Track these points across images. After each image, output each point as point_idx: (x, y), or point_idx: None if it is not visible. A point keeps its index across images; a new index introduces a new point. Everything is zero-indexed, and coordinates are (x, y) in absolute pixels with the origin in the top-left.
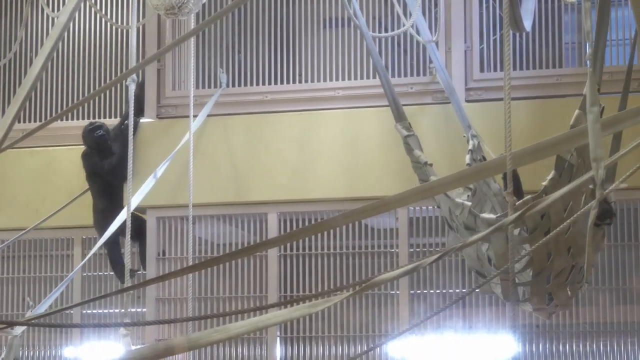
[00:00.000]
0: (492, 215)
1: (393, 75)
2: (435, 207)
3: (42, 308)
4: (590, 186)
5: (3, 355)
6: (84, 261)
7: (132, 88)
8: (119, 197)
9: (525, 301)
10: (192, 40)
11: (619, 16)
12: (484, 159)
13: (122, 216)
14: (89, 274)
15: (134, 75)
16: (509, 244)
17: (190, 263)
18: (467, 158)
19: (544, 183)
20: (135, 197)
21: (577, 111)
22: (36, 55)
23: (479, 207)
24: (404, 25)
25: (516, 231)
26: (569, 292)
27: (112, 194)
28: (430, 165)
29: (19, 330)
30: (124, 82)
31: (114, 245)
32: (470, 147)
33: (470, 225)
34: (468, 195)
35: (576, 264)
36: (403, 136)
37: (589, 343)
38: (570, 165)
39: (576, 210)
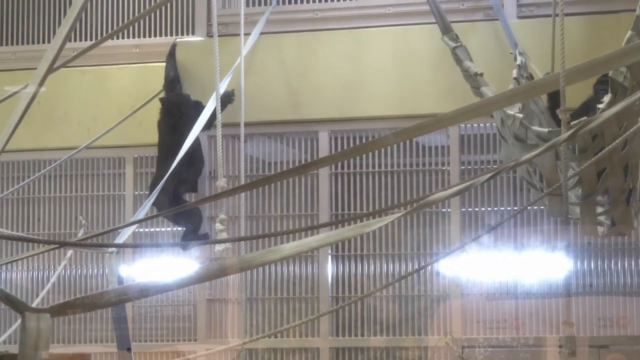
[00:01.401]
0: (544, 129)
1: None
2: (487, 124)
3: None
4: None
5: (107, 274)
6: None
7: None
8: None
9: (577, 220)
10: None
11: None
12: (531, 77)
13: None
14: (140, 192)
15: None
16: (560, 160)
17: (243, 182)
18: (515, 72)
19: (600, 105)
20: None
21: (629, 32)
22: None
23: (528, 121)
24: None
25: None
26: (634, 215)
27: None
28: (481, 75)
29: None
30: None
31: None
32: (517, 62)
33: (522, 136)
34: (519, 108)
35: (634, 188)
36: (451, 48)
37: (638, 261)
38: (624, 87)
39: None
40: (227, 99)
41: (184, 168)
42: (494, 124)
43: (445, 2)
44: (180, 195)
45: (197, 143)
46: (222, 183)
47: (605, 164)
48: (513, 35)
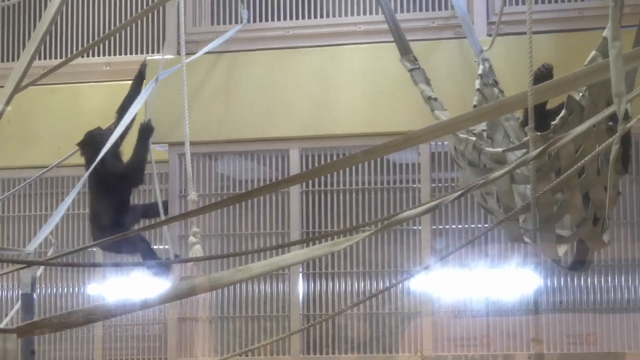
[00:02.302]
0: (497, 149)
1: (415, 10)
2: None
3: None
4: (610, 123)
5: None
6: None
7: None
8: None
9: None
10: None
11: None
12: (496, 82)
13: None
14: None
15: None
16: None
17: (213, 200)
18: (477, 83)
19: (554, 122)
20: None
21: (593, 52)
22: None
23: (492, 133)
24: None
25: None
26: (605, 240)
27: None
28: (435, 99)
29: None
30: (146, 17)
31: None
32: (480, 71)
33: (475, 161)
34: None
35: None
36: (408, 70)
37: (609, 278)
38: (581, 106)
39: (588, 154)
40: (147, 129)
41: (111, 188)
42: None
43: (415, 20)
44: (120, 219)
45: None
46: (193, 197)
47: (562, 188)
48: (478, 42)
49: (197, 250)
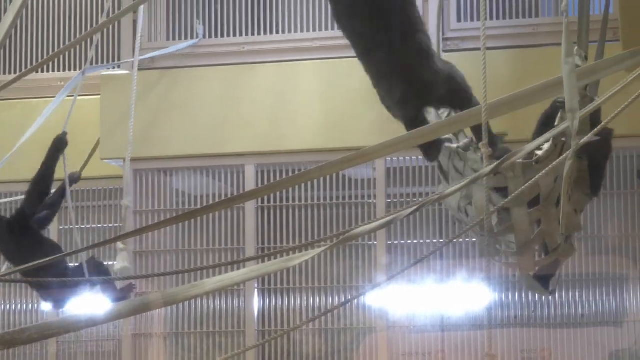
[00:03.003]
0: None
1: None
2: (412, 157)
3: None
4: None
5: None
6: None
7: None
8: None
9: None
10: None
11: None
12: None
13: None
14: (65, 227)
15: None
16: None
17: (168, 216)
18: None
19: (539, 152)
20: None
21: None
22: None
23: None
24: None
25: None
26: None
27: None
28: None
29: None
30: (102, 32)
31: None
32: None
33: (460, 169)
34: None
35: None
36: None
37: (563, 293)
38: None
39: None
40: (61, 142)
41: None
42: (419, 157)
43: None
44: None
45: None
46: (126, 202)
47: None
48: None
49: (123, 258)
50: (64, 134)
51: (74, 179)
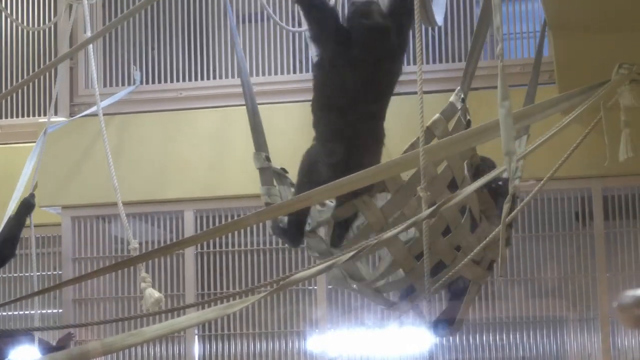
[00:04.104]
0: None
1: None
2: None
3: None
4: (500, 183)
5: None
6: None
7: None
8: None
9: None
10: (101, 38)
11: (529, 9)
12: None
13: None
14: (2, 275)
15: None
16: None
17: (107, 263)
18: None
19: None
20: None
21: (437, 115)
22: None
23: None
24: None
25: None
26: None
27: None
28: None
29: None
30: (37, 80)
31: None
32: None
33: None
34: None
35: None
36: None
37: (504, 335)
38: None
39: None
40: (29, 206)
41: None
42: None
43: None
44: None
45: None
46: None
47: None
48: None
49: (150, 294)
50: (32, 196)
51: (31, 205)
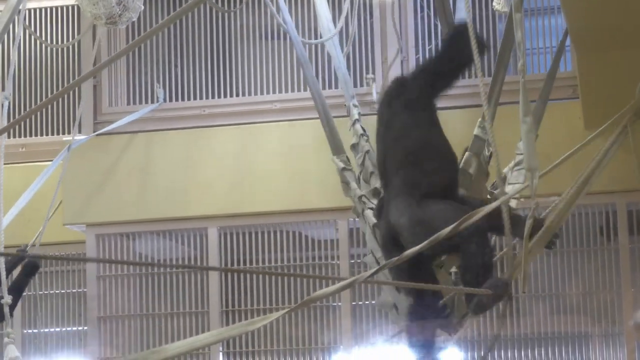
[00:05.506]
0: None
1: (330, 87)
2: None
3: None
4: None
5: None
6: None
7: None
8: None
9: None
10: (124, 56)
11: (551, 24)
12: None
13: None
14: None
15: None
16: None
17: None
18: (359, 127)
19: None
20: None
21: (467, 152)
22: None
23: (365, 177)
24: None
25: None
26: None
27: None
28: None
29: None
30: (61, 98)
31: None
32: (356, 116)
33: None
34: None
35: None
36: (339, 169)
37: (530, 352)
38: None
39: None
40: (33, 267)
41: None
42: None
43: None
44: None
45: None
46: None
47: None
48: (352, 87)
49: (11, 351)
50: (34, 262)
51: (36, 266)
